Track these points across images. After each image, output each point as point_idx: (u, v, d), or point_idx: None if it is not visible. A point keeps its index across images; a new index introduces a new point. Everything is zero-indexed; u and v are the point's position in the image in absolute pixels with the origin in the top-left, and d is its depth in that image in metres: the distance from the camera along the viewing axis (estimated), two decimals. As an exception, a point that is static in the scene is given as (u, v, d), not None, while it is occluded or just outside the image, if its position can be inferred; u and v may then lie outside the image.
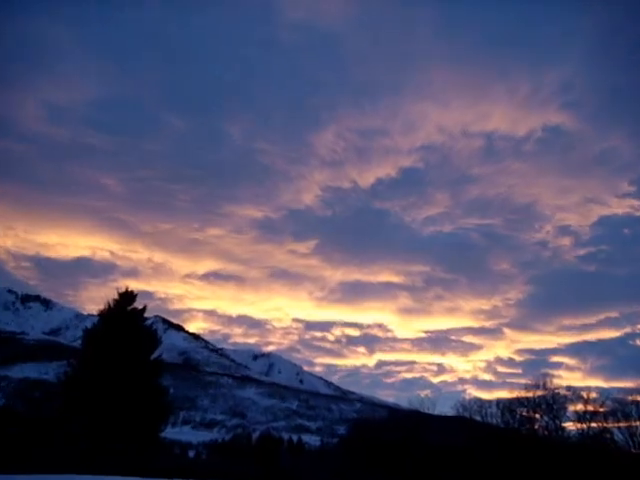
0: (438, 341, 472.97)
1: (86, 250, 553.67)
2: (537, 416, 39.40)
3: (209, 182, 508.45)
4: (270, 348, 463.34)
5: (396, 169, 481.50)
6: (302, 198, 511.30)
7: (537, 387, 39.85)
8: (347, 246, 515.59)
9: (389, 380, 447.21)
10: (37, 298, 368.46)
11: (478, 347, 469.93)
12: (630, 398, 36.55)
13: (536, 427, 39.53)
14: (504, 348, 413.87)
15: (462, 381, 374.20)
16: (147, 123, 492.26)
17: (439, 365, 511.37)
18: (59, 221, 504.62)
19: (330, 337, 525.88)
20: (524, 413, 40.49)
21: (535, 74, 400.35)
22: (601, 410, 37.34)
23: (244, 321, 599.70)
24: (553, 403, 38.50)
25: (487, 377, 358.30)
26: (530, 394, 39.85)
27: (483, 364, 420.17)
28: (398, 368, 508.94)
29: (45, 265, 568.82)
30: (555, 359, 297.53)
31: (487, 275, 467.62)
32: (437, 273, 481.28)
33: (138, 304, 26.17)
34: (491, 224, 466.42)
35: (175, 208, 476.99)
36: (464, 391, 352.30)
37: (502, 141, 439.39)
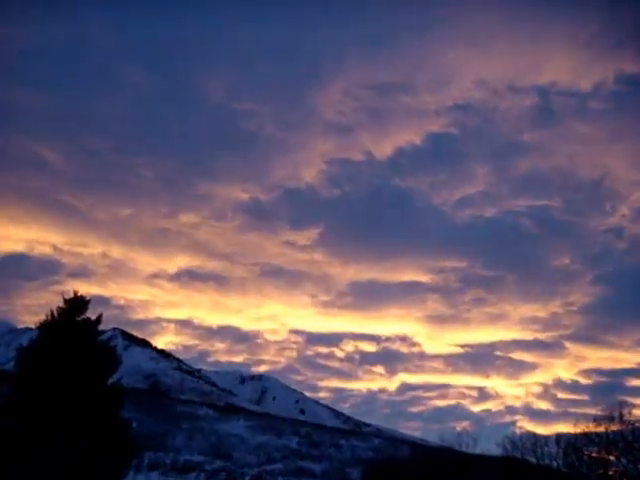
0: (479, 358, 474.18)
1: (20, 244, 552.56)
2: (612, 458, 39.28)
3: (180, 154, 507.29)
4: (262, 368, 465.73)
5: (422, 136, 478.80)
6: (301, 174, 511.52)
7: (611, 419, 39.75)
8: (360, 236, 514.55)
9: (415, 409, 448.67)
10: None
11: (531, 366, 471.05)
12: None
13: (611, 472, 39.51)
14: (566, 368, 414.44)
15: (511, 410, 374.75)
16: (98, 77, 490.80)
17: (480, 389, 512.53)
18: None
19: (339, 353, 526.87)
20: (594, 454, 40.41)
21: (606, 7, 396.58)
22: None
23: (228, 334, 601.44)
24: (633, 441, 38.38)
25: (544, 405, 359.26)
26: (602, 429, 39.80)
27: (538, 388, 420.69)
28: (427, 393, 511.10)
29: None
30: (634, 383, 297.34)
31: (542, 273, 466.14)
32: (477, 270, 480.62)
33: (91, 313, 26.08)
34: (547, 206, 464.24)
35: (137, 188, 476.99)
36: (513, 423, 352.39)
37: (562, 97, 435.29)
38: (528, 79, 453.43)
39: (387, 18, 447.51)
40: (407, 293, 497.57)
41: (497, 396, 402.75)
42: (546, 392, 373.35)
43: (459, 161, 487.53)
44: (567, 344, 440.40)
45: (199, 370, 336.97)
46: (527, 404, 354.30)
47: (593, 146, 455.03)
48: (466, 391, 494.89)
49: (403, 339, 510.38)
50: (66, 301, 25.68)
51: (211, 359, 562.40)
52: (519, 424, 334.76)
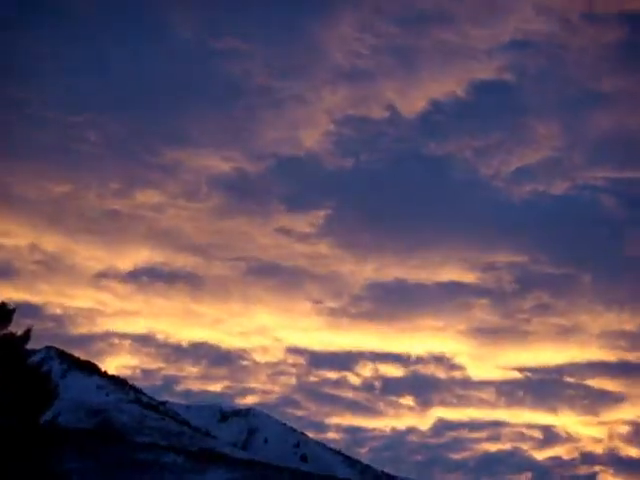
0: (543, 387, 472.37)
1: None
2: None
3: (137, 110, 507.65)
4: (249, 400, 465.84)
5: (466, 85, 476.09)
6: (301, 137, 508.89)
7: None
8: (380, 221, 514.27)
9: (458, 455, 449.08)
10: None
11: (616, 398, 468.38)
12: None
13: None
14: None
15: (588, 458, 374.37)
16: (25, 5, 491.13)
17: (546, 429, 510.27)
18: None
19: (353, 380, 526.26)
20: None
21: None
22: None
23: (203, 353, 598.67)
24: None
25: (634, 452, 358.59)
26: None
27: (626, 428, 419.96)
28: (473, 434, 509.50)
29: None
30: None
31: (631, 270, 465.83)
32: (540, 267, 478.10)
33: (16, 327, 26.03)
34: (637, 179, 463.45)
35: (77, 156, 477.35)
36: (594, 476, 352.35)
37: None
38: (611, 4, 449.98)
39: None
40: (445, 298, 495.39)
41: (569, 438, 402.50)
42: (637, 434, 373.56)
43: (516, 118, 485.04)
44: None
45: (164, 403, 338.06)
46: (611, 450, 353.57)
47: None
48: (526, 431, 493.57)
49: (440, 360, 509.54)
50: (-19, 310, 25.67)
51: (180, 388, 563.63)
52: (601, 477, 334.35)
